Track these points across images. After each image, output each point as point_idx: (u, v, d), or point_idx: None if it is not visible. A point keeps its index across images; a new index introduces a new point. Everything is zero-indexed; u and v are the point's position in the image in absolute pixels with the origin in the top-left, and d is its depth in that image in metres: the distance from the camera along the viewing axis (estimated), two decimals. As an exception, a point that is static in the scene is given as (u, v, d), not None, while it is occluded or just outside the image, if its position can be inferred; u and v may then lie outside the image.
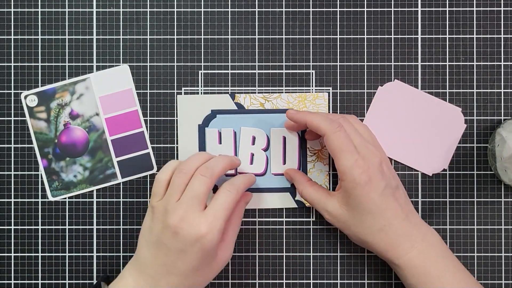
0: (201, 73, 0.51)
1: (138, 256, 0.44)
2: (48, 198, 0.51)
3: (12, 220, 0.50)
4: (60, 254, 0.51)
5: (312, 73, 0.51)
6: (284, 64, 0.51)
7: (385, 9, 0.51)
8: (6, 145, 0.51)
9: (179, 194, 0.43)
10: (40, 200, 0.51)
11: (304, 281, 0.51)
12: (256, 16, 0.51)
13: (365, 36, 0.51)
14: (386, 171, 0.45)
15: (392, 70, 0.51)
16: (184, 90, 0.51)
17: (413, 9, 0.51)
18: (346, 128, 0.45)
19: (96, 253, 0.51)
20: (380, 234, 0.44)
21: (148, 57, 0.51)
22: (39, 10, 0.51)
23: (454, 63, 0.51)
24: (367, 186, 0.43)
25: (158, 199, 0.44)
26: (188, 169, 0.44)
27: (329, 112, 0.51)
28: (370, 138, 0.47)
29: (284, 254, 0.51)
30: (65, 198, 0.51)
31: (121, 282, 0.44)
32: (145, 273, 0.43)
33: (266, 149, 0.51)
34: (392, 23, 0.51)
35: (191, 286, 0.43)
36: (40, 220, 0.51)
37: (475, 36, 0.51)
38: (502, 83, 0.51)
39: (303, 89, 0.51)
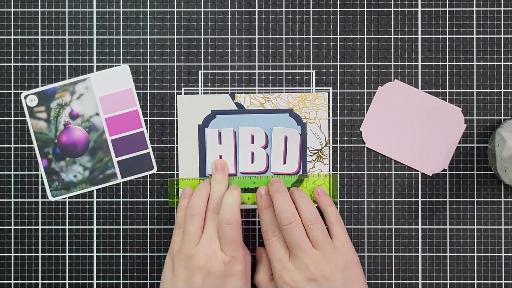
0: (201, 73, 0.51)
1: None
2: (48, 198, 0.51)
3: (12, 220, 0.50)
4: (60, 254, 0.51)
5: (312, 73, 0.51)
6: (284, 64, 0.51)
7: (385, 9, 0.51)
8: (6, 145, 0.51)
9: (197, 238, 0.46)
10: (40, 200, 0.51)
11: (304, 281, 0.51)
12: (256, 16, 0.51)
13: (365, 36, 0.51)
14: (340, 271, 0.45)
15: (392, 70, 0.51)
16: (184, 90, 0.51)
17: (413, 9, 0.51)
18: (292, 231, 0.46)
19: (96, 253, 0.51)
20: None
21: (148, 57, 0.51)
22: (39, 10, 0.51)
23: (454, 63, 0.51)
24: None
25: (180, 229, 0.47)
26: (198, 211, 0.47)
27: (329, 112, 0.51)
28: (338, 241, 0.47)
29: (284, 254, 0.51)
30: (65, 198, 0.51)
31: None
32: None
33: (265, 146, 0.51)
34: (392, 23, 0.51)
35: None
36: (40, 220, 0.51)
37: (475, 36, 0.51)
38: (502, 83, 0.51)
39: (303, 89, 0.51)
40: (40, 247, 0.50)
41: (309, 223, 0.46)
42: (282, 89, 0.51)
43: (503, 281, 0.50)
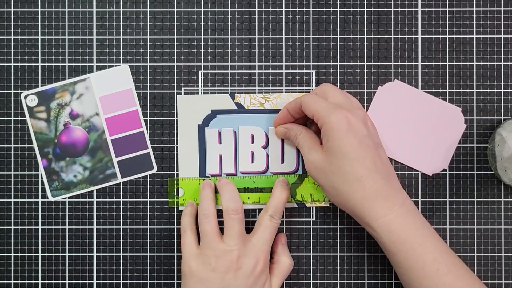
0: (201, 73, 0.51)
1: None
2: (48, 198, 0.51)
3: (12, 220, 0.51)
4: (60, 254, 0.51)
5: (312, 73, 0.51)
6: (284, 64, 0.51)
7: (385, 9, 0.51)
8: (6, 145, 0.51)
9: (218, 236, 0.46)
10: (40, 200, 0.51)
11: (304, 281, 0.51)
12: (256, 16, 0.51)
13: (365, 36, 0.51)
14: (370, 125, 0.45)
15: (392, 70, 0.51)
16: (184, 90, 0.51)
17: (413, 9, 0.51)
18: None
19: (96, 253, 0.51)
20: (357, 184, 0.42)
21: (148, 57, 0.51)
22: (39, 10, 0.51)
23: (454, 63, 0.51)
24: (348, 129, 0.42)
25: (188, 232, 0.47)
26: (209, 210, 0.47)
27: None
28: (354, 102, 0.47)
29: (284, 254, 0.51)
30: (65, 198, 0.51)
31: None
32: None
33: (265, 146, 0.51)
34: (392, 23, 0.51)
35: None
36: (40, 220, 0.51)
37: (475, 36, 0.51)
38: (502, 83, 0.51)
39: (303, 89, 0.51)
40: (40, 247, 0.50)
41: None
42: (282, 89, 0.51)
43: (503, 281, 0.50)
